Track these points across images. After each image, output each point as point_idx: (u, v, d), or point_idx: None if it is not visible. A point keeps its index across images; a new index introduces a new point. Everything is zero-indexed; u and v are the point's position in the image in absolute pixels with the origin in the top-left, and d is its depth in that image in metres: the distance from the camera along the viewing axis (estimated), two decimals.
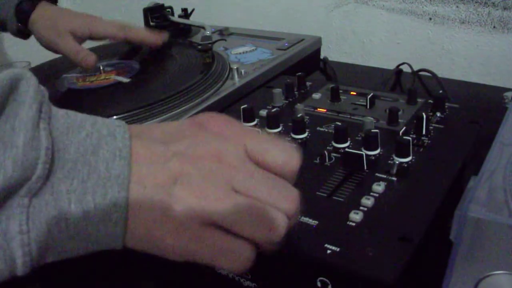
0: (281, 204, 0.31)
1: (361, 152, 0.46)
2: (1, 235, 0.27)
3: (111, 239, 0.30)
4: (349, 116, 0.56)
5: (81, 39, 0.73)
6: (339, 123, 0.51)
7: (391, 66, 0.82)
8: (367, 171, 0.45)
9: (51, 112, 0.29)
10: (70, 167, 0.28)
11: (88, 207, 0.28)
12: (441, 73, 0.77)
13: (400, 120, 0.53)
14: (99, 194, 0.28)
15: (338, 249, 0.36)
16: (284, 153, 0.32)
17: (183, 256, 0.30)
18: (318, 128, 0.54)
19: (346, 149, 0.48)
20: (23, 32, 0.76)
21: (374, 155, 0.48)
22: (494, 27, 0.84)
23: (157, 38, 0.78)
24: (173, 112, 0.61)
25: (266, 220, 0.30)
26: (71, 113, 0.31)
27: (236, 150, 0.31)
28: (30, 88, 0.29)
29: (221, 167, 0.30)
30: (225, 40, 0.84)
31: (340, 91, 0.61)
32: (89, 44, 0.77)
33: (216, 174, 0.30)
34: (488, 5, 0.83)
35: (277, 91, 0.60)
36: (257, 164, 0.32)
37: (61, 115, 0.30)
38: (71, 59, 0.72)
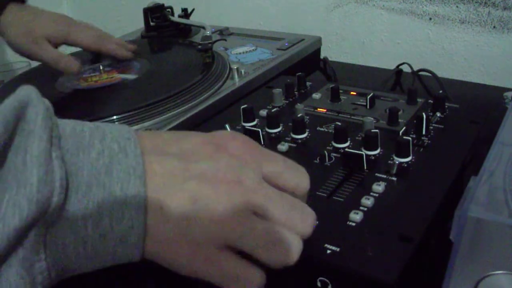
0: (297, 225, 0.31)
1: (361, 152, 0.46)
2: (20, 264, 0.26)
3: (129, 257, 0.29)
4: (349, 116, 0.56)
5: (56, 45, 0.70)
6: (339, 123, 0.51)
7: (391, 66, 0.82)
8: (367, 171, 0.45)
9: (59, 132, 0.28)
10: (85, 191, 0.28)
11: (105, 230, 0.28)
12: (441, 73, 0.77)
13: (400, 120, 0.53)
14: (116, 216, 0.28)
15: (338, 249, 0.36)
16: (296, 176, 0.32)
17: (195, 274, 0.30)
18: (318, 128, 0.54)
19: (346, 149, 0.48)
20: None
21: (374, 155, 0.48)
22: (494, 27, 0.84)
23: (125, 53, 0.77)
24: (173, 112, 0.61)
25: (283, 245, 0.30)
26: (78, 127, 0.29)
27: (254, 174, 0.31)
28: (39, 116, 0.27)
29: (240, 191, 0.30)
30: (225, 40, 0.84)
31: (340, 91, 0.61)
32: None
33: (235, 199, 0.30)
34: (488, 5, 0.83)
35: (277, 91, 0.60)
36: (273, 186, 0.32)
37: (69, 133, 0.29)
38: (51, 67, 0.69)
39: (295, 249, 0.31)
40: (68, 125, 0.29)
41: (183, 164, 0.30)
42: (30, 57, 0.70)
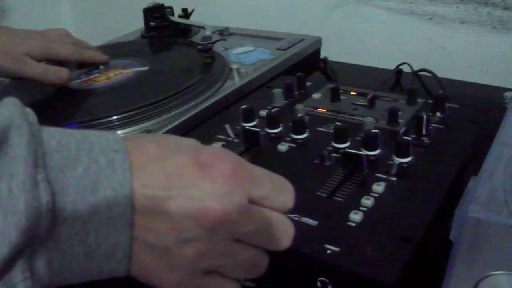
0: (278, 242, 0.32)
1: (361, 152, 0.46)
2: (3, 285, 0.26)
3: (115, 272, 0.30)
4: (349, 116, 0.56)
5: (37, 61, 0.68)
6: (339, 123, 0.51)
7: (391, 66, 0.82)
8: (367, 171, 0.45)
9: (43, 146, 0.27)
10: (70, 210, 0.27)
11: (91, 248, 0.28)
12: (441, 73, 0.77)
13: (400, 120, 0.53)
14: (102, 234, 0.28)
15: (338, 249, 0.36)
16: (282, 197, 0.33)
17: None
18: (318, 128, 0.54)
19: (346, 149, 0.48)
20: None
21: (374, 155, 0.48)
22: (494, 27, 0.84)
23: (104, 57, 0.77)
24: (174, 112, 0.61)
25: (256, 268, 0.33)
26: (63, 139, 0.28)
27: (240, 205, 0.30)
28: (23, 139, 0.26)
29: (225, 225, 0.30)
30: (225, 40, 0.84)
31: (340, 91, 0.61)
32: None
33: (220, 234, 0.30)
34: (488, 5, 0.83)
35: (277, 91, 0.60)
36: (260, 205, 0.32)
37: (53, 148, 0.27)
38: (39, 80, 0.67)
39: (265, 267, 0.34)
40: (53, 138, 0.28)
41: (166, 193, 0.29)
42: (13, 76, 0.68)
